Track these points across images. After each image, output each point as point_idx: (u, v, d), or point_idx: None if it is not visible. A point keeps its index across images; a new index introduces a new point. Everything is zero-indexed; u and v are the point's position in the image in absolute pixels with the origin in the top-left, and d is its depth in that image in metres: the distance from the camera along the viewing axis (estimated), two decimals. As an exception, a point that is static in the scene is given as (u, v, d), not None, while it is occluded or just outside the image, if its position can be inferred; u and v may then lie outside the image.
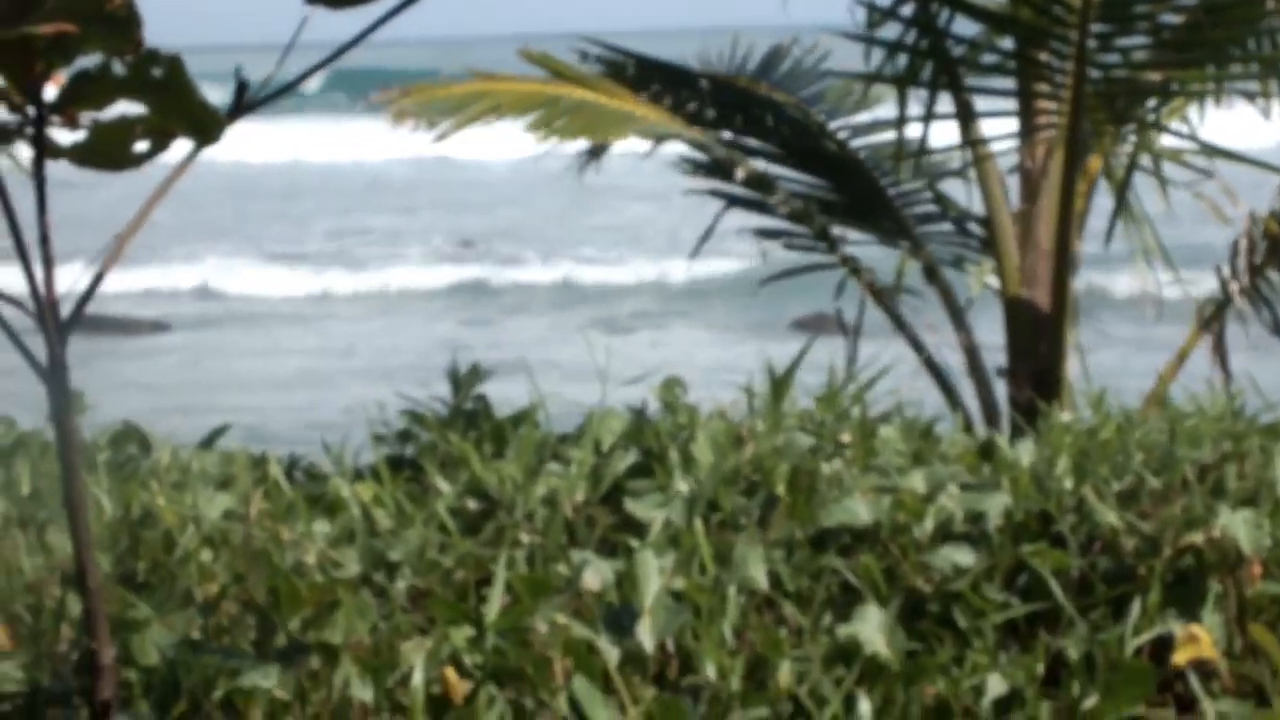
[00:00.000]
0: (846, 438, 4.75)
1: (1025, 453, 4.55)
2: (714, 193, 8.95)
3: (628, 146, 8.63)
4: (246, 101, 2.89)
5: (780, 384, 5.07)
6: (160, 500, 4.47)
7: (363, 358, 20.23)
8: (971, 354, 8.43)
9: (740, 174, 8.61)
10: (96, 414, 6.62)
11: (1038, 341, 8.11)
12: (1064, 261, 7.92)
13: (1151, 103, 8.10)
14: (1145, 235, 9.20)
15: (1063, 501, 4.19)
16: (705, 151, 8.68)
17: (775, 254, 9.10)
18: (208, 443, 5.76)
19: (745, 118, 8.98)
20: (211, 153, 2.95)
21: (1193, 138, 8.63)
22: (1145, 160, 8.83)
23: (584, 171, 9.36)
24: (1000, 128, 8.34)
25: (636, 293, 25.46)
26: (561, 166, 8.89)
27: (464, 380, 5.72)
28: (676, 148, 8.75)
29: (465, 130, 7.79)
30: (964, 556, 3.93)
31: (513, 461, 4.58)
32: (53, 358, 2.85)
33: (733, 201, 8.95)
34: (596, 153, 9.21)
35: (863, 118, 9.27)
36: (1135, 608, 3.68)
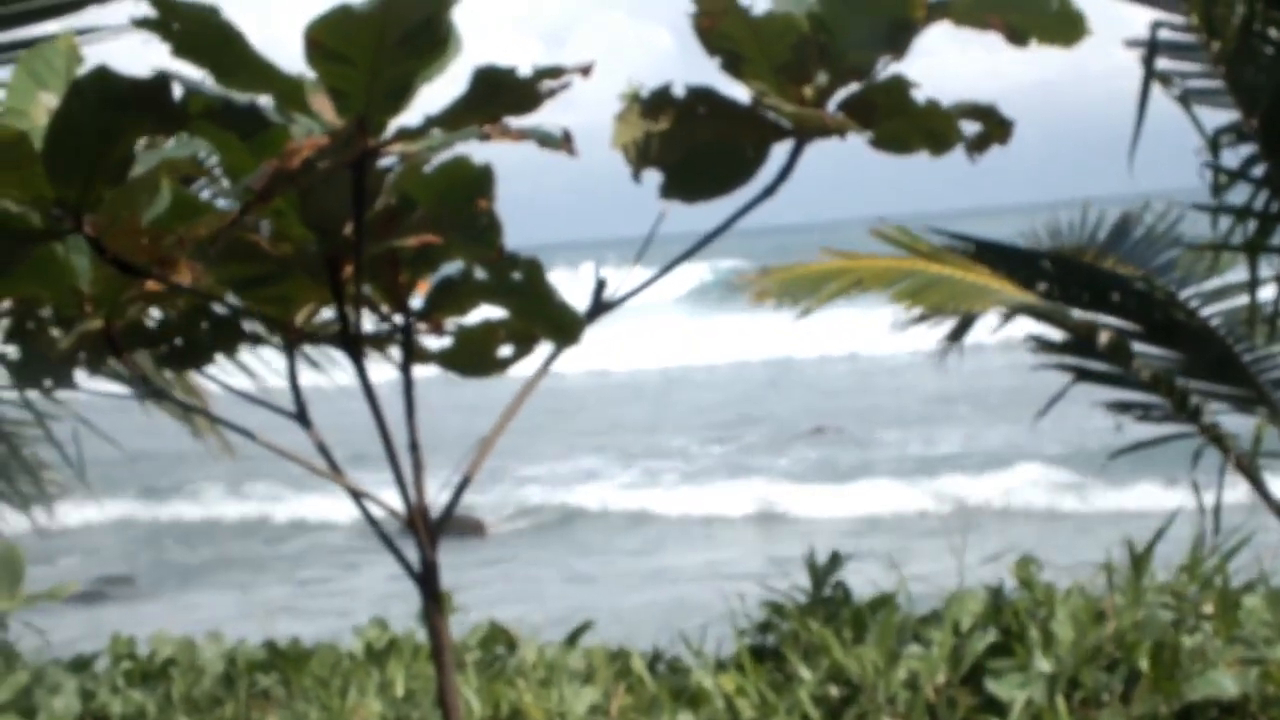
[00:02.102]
0: (1209, 609, 4.67)
1: (1399, 619, 4.43)
2: (1064, 367, 8.86)
3: (980, 336, 8.56)
4: (605, 301, 2.94)
5: (1140, 558, 5.02)
6: (527, 697, 4.56)
7: (722, 556, 20.29)
8: (1336, 519, 8.18)
9: (1098, 342, 8.49)
10: (462, 613, 6.77)
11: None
12: None
13: None
14: None
15: None
16: (1056, 323, 8.60)
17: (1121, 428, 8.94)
18: (572, 640, 5.86)
19: (1092, 294, 8.89)
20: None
21: None
22: None
23: (946, 355, 9.23)
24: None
25: (981, 477, 25.04)
26: (907, 360, 8.84)
27: (822, 569, 5.74)
28: (1028, 326, 8.68)
29: (825, 306, 7.80)
30: (1340, 728, 3.84)
31: (873, 646, 4.59)
32: (424, 561, 2.92)
33: (1084, 375, 8.84)
34: (958, 334, 9.10)
35: (1214, 283, 9.12)
36: None
